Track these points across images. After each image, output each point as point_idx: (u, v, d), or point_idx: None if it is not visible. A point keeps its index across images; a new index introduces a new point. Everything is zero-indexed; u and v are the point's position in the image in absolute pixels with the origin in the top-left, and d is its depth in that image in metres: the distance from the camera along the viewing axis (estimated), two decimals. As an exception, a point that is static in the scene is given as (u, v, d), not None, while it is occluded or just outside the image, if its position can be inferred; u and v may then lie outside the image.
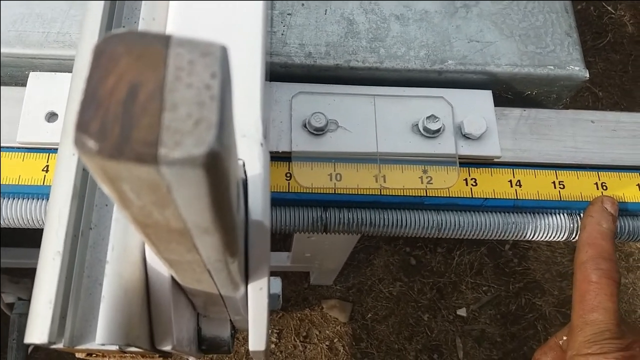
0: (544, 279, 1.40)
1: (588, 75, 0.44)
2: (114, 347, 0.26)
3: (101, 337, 0.24)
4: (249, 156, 0.28)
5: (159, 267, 0.26)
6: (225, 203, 0.17)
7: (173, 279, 0.27)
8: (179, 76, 0.14)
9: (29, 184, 0.40)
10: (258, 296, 0.27)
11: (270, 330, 0.29)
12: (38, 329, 0.25)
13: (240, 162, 0.27)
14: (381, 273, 1.31)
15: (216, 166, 0.14)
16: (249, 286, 0.27)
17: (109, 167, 0.14)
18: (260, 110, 0.29)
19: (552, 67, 0.44)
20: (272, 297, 0.35)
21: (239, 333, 0.48)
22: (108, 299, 0.25)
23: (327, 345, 1.22)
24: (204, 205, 0.16)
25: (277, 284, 0.36)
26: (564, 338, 0.40)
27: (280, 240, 1.20)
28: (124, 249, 0.26)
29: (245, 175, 0.27)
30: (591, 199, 0.43)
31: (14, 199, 0.39)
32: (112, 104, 0.14)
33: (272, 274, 0.28)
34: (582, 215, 0.43)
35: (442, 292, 1.32)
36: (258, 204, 0.27)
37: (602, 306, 0.35)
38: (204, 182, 0.14)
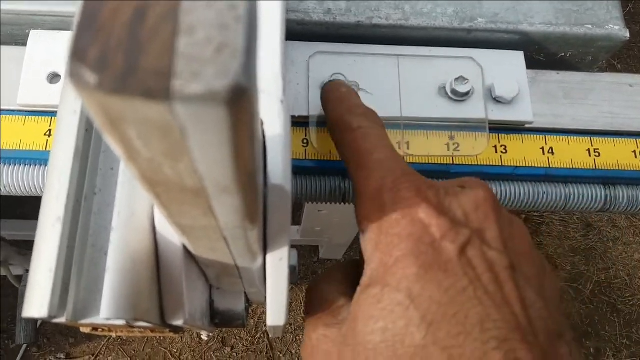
0: (556, 254, 1.38)
1: (628, 35, 0.41)
2: (121, 322, 0.24)
3: (106, 311, 0.22)
4: (268, 114, 0.25)
5: (170, 235, 0.24)
6: (249, 155, 0.14)
7: (185, 248, 0.24)
8: (197, -7, 0.11)
9: (31, 149, 0.37)
10: (278, 267, 0.25)
11: (288, 304, 0.27)
12: (37, 301, 0.22)
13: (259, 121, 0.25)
14: (391, 248, 1.29)
15: (242, 104, 0.11)
16: (268, 256, 0.25)
17: (111, 105, 0.12)
18: (281, 64, 0.27)
19: (589, 26, 0.41)
20: (290, 269, 0.33)
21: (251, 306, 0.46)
22: (114, 268, 0.23)
23: (336, 320, 1.21)
24: (225, 156, 0.13)
25: (294, 256, 0.34)
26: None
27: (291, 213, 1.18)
28: (131, 214, 0.23)
29: (264, 136, 0.25)
30: (628, 168, 0.40)
31: (14, 165, 0.37)
32: (115, 26, 0.11)
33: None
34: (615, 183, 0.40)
35: (453, 267, 1.30)
36: (278, 167, 0.24)
37: (380, 144, 0.28)
38: (226, 124, 0.12)
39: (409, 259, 0.23)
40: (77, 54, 0.11)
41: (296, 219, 1.10)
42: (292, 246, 0.27)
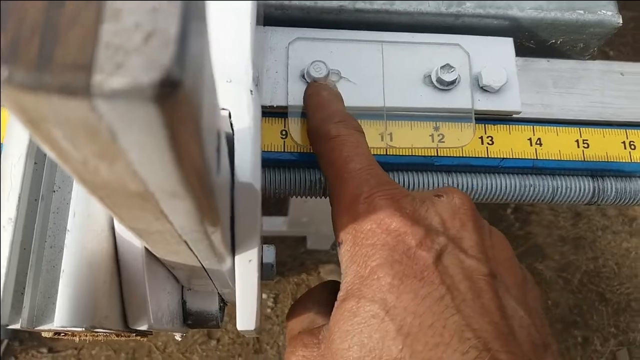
0: (545, 243, 1.38)
1: (621, 21, 0.39)
2: (80, 328, 0.22)
3: (61, 319, 0.21)
4: (236, 105, 0.23)
5: (130, 236, 0.22)
6: (196, 156, 0.13)
7: (147, 249, 0.23)
8: (123, -30, 0.10)
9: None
10: (247, 269, 0.23)
11: (260, 306, 0.25)
12: (-14, 310, 0.21)
13: (225, 113, 0.23)
14: (380, 237, 1.28)
15: (178, 100, 0.10)
16: (237, 258, 0.23)
17: (25, 103, 0.10)
18: (250, 50, 0.25)
19: (581, 12, 0.39)
20: (265, 267, 0.31)
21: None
22: (69, 273, 0.21)
23: (324, 310, 1.20)
24: (165, 158, 0.11)
25: (270, 253, 0.32)
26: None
27: (277, 204, 1.16)
28: (88, 215, 0.22)
29: (232, 129, 0.23)
30: (617, 159, 0.39)
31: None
32: (29, 10, 0.10)
33: (268, 239, 0.24)
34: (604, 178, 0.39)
35: (442, 256, 1.29)
36: (246, 163, 0.22)
37: (357, 153, 0.27)
38: (159, 123, 0.10)
39: (384, 268, 0.22)
40: (-18, 42, 0.10)
41: (282, 210, 1.09)
42: (276, 238, 0.26)
